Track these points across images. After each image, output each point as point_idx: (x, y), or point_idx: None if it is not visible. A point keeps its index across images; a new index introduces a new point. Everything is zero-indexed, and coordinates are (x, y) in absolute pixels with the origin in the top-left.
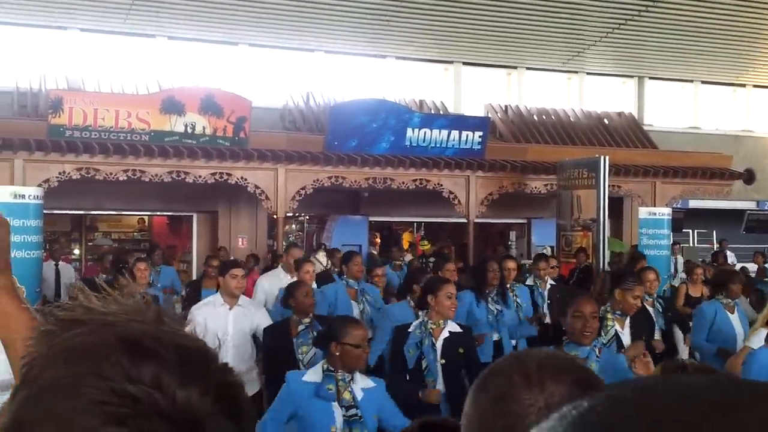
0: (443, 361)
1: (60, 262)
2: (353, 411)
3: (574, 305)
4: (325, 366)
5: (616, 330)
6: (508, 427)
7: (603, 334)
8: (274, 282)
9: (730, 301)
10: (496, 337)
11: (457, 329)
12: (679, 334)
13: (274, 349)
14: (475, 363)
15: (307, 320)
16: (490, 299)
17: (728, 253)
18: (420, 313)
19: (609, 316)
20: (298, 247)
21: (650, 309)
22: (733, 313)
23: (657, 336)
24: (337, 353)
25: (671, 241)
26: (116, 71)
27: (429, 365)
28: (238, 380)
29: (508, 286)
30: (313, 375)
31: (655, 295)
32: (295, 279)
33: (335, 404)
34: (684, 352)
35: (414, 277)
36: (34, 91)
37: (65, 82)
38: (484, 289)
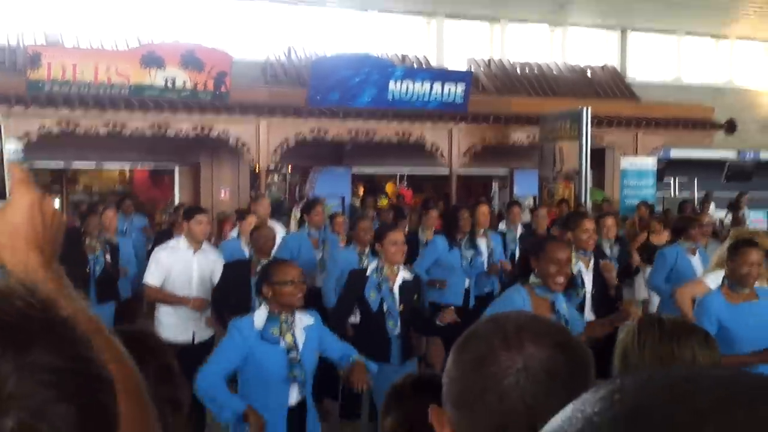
0: (401, 307)
1: None
2: (293, 354)
3: (550, 250)
4: (268, 311)
5: (580, 268)
6: (487, 389)
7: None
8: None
9: (691, 244)
10: (467, 284)
11: (409, 277)
12: (639, 278)
13: (231, 285)
14: (422, 311)
15: (265, 261)
16: (462, 245)
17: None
18: (364, 258)
19: (573, 254)
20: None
21: (608, 252)
22: (694, 255)
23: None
24: (270, 294)
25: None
26: (95, 26)
27: (389, 309)
28: (83, 362)
29: (482, 232)
30: (258, 320)
31: (613, 240)
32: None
33: (282, 347)
34: (641, 293)
35: (353, 224)
36: (12, 47)
37: (44, 38)
38: (455, 235)
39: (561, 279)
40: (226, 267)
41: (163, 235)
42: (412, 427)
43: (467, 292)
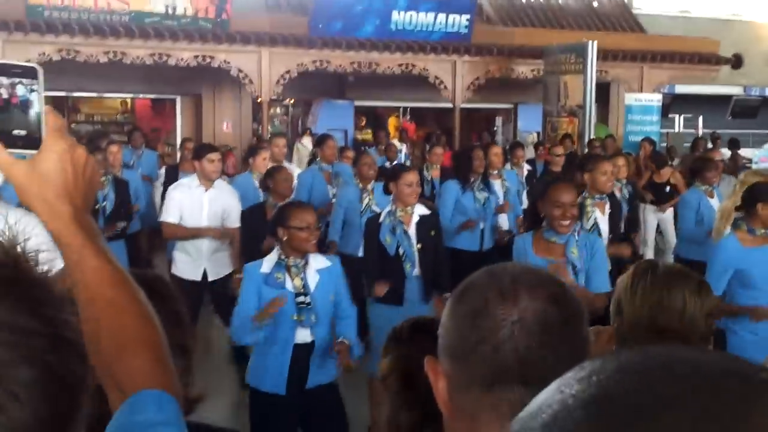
0: (419, 245)
1: None
2: (301, 298)
3: (552, 193)
4: (279, 254)
5: (595, 217)
6: (481, 340)
7: (585, 221)
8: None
9: (708, 187)
10: (481, 225)
11: (426, 212)
12: (651, 220)
13: (252, 232)
14: (441, 245)
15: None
16: (475, 187)
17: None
18: (365, 195)
19: (588, 202)
20: (282, 136)
21: (618, 194)
22: (712, 197)
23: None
24: (285, 237)
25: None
26: None
27: (405, 252)
28: (50, 324)
29: (496, 172)
30: (267, 265)
31: (624, 181)
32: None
33: (289, 291)
34: (650, 239)
35: (355, 160)
36: None
37: None
38: (469, 177)
39: (565, 222)
40: (243, 215)
41: (170, 172)
42: (408, 368)
43: (482, 235)
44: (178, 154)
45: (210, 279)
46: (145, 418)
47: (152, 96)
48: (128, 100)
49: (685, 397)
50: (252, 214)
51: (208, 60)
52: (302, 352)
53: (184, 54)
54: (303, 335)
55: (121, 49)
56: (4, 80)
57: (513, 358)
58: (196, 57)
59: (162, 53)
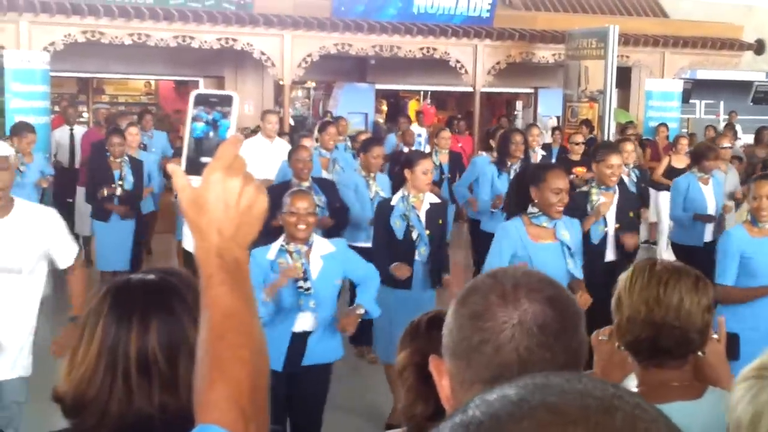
0: (428, 231)
1: (75, 126)
2: (300, 283)
3: (551, 179)
4: (283, 240)
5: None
6: (484, 341)
7: (589, 209)
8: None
9: (703, 174)
10: None
11: (436, 200)
12: (661, 203)
13: (272, 207)
14: (445, 234)
15: (305, 184)
16: (512, 171)
17: (737, 126)
18: (371, 182)
19: (593, 191)
20: (274, 113)
21: (626, 179)
22: (707, 184)
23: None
24: (281, 223)
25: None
26: None
27: (420, 235)
28: None
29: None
30: (273, 251)
31: (632, 166)
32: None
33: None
34: (663, 221)
35: (364, 147)
36: None
37: None
38: (506, 160)
39: (560, 208)
40: (269, 189)
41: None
42: (423, 363)
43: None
44: None
45: None
46: None
47: (175, 78)
48: (152, 82)
49: None
50: (277, 191)
51: (231, 42)
52: (302, 337)
53: (207, 36)
54: (304, 322)
55: (145, 32)
56: (202, 110)
57: (513, 358)
58: (219, 39)
59: (185, 35)
